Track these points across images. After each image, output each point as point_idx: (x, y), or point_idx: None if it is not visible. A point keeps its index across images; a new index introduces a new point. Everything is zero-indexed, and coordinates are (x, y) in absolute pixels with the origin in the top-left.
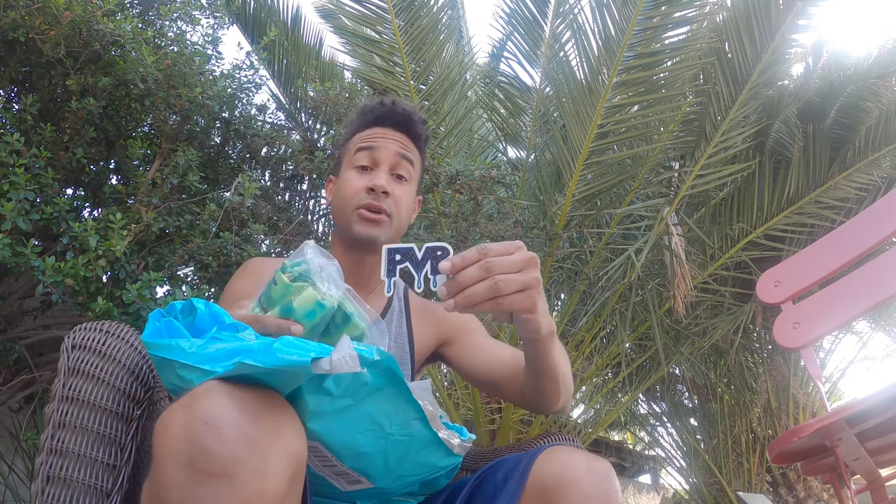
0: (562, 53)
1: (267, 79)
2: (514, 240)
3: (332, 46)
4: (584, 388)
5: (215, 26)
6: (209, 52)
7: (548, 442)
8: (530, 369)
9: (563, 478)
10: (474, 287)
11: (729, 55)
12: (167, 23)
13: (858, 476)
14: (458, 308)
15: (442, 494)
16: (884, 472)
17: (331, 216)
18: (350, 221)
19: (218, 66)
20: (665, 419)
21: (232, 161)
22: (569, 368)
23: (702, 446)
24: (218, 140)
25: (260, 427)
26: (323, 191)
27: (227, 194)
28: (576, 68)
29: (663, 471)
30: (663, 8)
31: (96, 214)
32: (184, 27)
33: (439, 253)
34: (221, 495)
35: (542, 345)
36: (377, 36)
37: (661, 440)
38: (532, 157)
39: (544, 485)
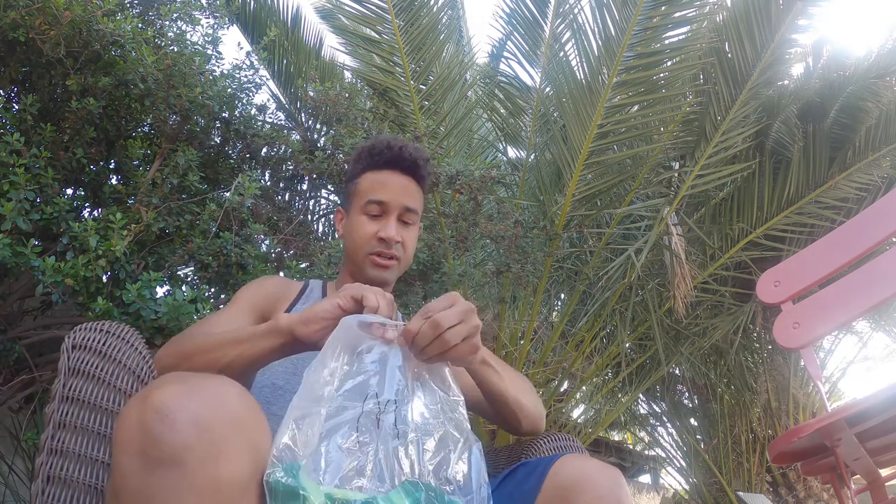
0: (562, 53)
1: (267, 79)
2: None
3: (332, 46)
4: (584, 388)
5: (215, 26)
6: (209, 52)
7: (548, 442)
8: (484, 395)
9: (580, 480)
10: (427, 347)
11: (729, 55)
12: (167, 23)
13: (858, 476)
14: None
15: None
16: (884, 472)
17: (341, 247)
18: (363, 265)
19: (218, 66)
20: (665, 419)
21: (232, 161)
22: (527, 395)
23: (702, 446)
24: (218, 140)
25: (214, 415)
26: (323, 191)
27: (227, 194)
28: (576, 68)
29: (663, 471)
30: (663, 8)
31: (96, 214)
32: (184, 27)
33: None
34: (174, 482)
35: (479, 373)
36: (377, 36)
37: (661, 440)
38: (532, 157)
39: (562, 485)
